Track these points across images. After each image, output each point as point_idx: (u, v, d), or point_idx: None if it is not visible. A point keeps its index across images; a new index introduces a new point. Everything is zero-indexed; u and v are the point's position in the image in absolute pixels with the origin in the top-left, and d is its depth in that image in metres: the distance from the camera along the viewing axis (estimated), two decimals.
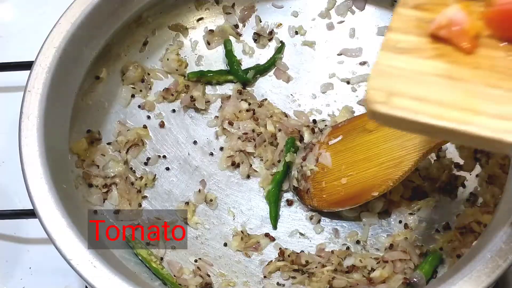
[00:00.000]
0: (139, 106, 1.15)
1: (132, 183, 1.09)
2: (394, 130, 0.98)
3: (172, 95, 1.16)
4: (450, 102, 0.65)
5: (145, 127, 1.14)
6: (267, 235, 1.08)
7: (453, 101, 0.65)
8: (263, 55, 1.21)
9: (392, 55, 0.69)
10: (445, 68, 0.67)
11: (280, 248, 1.06)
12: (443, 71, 0.67)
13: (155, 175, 1.12)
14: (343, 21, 1.19)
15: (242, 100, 1.17)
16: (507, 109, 0.64)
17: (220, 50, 1.20)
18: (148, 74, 1.16)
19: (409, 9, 0.72)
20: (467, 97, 0.65)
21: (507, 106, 0.64)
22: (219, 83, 1.19)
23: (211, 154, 1.15)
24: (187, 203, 1.10)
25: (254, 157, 1.14)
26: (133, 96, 1.15)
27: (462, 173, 1.08)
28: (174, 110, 1.17)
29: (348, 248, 1.06)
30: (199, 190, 1.11)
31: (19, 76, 1.11)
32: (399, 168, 0.98)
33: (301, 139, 1.13)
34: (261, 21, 1.21)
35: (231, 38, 1.20)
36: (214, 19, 1.20)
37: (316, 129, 1.13)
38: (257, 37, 1.21)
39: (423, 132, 0.71)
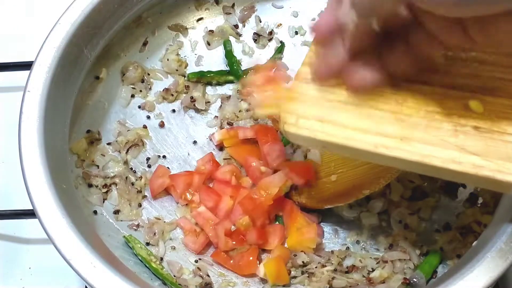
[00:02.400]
0: (139, 107, 1.15)
1: (132, 183, 1.09)
2: None
3: (172, 95, 1.16)
4: (344, 123, 0.78)
5: (145, 127, 1.14)
6: None
7: (346, 122, 0.78)
8: (263, 55, 1.21)
9: (303, 85, 0.81)
10: (343, 94, 0.79)
11: None
12: (341, 97, 0.79)
13: None
14: None
15: (242, 100, 1.17)
16: (386, 127, 0.77)
17: (220, 50, 1.20)
18: (148, 74, 1.16)
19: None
20: (357, 119, 0.78)
21: (386, 125, 0.77)
22: (219, 83, 1.19)
23: None
24: (187, 204, 1.10)
25: None
26: (133, 96, 1.15)
27: None
28: (174, 110, 1.17)
29: (348, 248, 1.06)
30: None
31: (19, 76, 1.11)
32: (391, 167, 0.98)
33: None
34: (261, 21, 1.21)
35: (231, 38, 1.20)
36: (214, 19, 1.20)
37: None
38: (257, 37, 1.21)
39: (327, 148, 0.81)
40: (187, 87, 1.17)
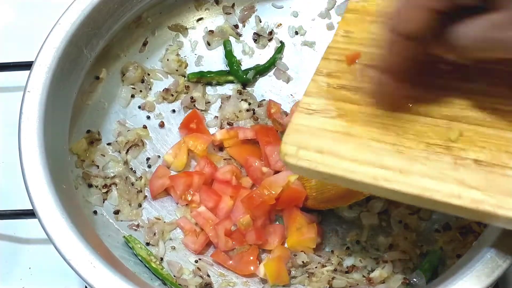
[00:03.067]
0: (139, 107, 1.15)
1: (132, 184, 1.09)
2: None
3: (172, 95, 1.16)
4: (344, 154, 0.78)
5: (145, 127, 1.14)
6: None
7: (345, 154, 0.78)
8: (263, 55, 1.21)
9: (304, 115, 0.82)
10: (344, 125, 0.80)
11: None
12: (342, 128, 0.80)
13: None
14: None
15: (242, 100, 1.17)
16: (386, 159, 0.76)
17: (220, 50, 1.20)
18: (148, 74, 1.16)
19: (322, 76, 0.86)
20: (357, 150, 0.78)
21: (386, 157, 0.77)
22: (219, 83, 1.19)
23: None
24: (187, 204, 1.10)
25: None
26: (133, 96, 1.15)
27: None
28: (174, 111, 1.17)
29: (348, 248, 1.06)
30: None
31: (19, 76, 1.11)
32: None
33: None
34: (261, 21, 1.20)
35: (231, 38, 1.20)
36: (214, 19, 1.20)
37: None
38: (257, 37, 1.21)
39: (326, 180, 0.82)
40: (187, 87, 1.17)
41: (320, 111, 0.82)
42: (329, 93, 0.84)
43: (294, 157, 0.79)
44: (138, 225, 1.06)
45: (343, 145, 0.78)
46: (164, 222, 1.08)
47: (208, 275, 1.02)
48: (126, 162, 1.10)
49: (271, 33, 1.21)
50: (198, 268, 1.03)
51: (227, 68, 1.19)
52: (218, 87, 1.20)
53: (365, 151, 0.78)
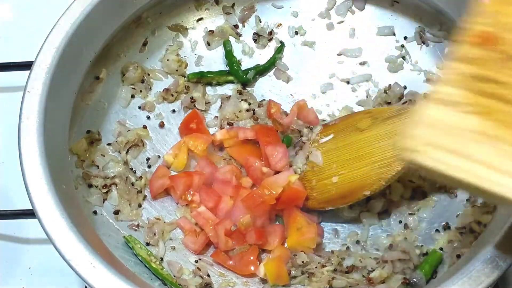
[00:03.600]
0: (139, 107, 1.15)
1: (132, 184, 1.09)
2: (387, 130, 1.01)
3: (172, 95, 1.16)
4: (479, 159, 0.67)
5: (145, 127, 1.14)
6: None
7: (482, 158, 0.67)
8: (263, 55, 1.21)
9: (438, 107, 0.71)
10: (484, 124, 0.69)
11: None
12: (481, 127, 0.69)
13: None
14: (343, 21, 1.19)
15: (242, 100, 1.17)
16: None
17: (220, 50, 1.20)
18: (148, 74, 1.16)
19: (461, 63, 0.73)
20: (496, 156, 0.67)
21: None
22: (219, 83, 1.19)
23: None
24: (187, 204, 1.10)
25: None
26: (133, 96, 1.15)
27: None
28: (174, 111, 1.17)
29: (348, 248, 1.06)
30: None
31: (19, 76, 1.11)
32: (392, 168, 0.98)
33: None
34: (261, 21, 1.20)
35: (231, 38, 1.20)
36: (214, 19, 1.20)
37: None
38: (257, 37, 1.21)
39: (452, 184, 0.73)
40: (187, 87, 1.17)
41: (456, 104, 0.70)
42: (468, 84, 0.71)
43: (417, 153, 0.69)
44: (138, 225, 1.06)
45: (480, 148, 0.67)
46: (164, 222, 1.08)
47: (208, 275, 1.02)
48: (126, 162, 1.10)
49: (271, 33, 1.21)
50: (198, 268, 1.03)
51: (227, 68, 1.19)
52: (218, 87, 1.20)
53: (503, 156, 0.66)
